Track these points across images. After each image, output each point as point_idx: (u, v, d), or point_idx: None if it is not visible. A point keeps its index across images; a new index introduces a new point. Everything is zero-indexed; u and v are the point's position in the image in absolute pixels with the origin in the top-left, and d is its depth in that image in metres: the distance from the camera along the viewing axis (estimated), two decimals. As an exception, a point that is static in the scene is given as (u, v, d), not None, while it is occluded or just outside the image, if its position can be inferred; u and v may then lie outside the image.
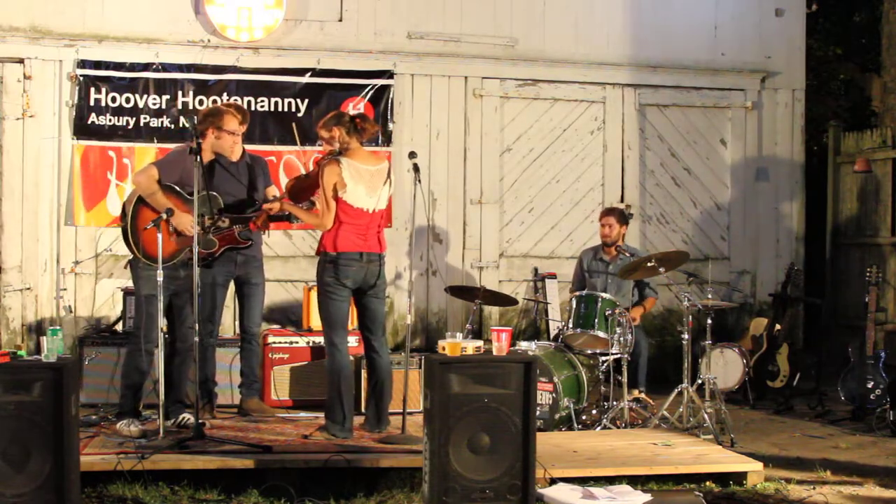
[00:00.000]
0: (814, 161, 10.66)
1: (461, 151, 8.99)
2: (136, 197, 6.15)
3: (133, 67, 8.30)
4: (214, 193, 6.15)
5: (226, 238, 6.44)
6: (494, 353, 5.10)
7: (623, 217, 7.76)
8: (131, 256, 6.24)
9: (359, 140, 6.05)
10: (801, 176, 9.76)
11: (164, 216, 5.96)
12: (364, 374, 6.82)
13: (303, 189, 6.32)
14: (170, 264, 6.05)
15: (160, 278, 5.80)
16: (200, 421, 5.80)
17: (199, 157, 5.85)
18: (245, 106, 7.86)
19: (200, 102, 8.35)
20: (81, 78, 8.22)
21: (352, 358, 6.73)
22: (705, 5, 9.52)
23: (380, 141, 8.64)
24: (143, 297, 6.19)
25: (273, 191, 7.01)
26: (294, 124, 8.25)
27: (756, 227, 9.61)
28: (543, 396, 6.60)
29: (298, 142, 7.99)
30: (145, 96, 8.32)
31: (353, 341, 6.70)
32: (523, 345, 6.91)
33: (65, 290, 8.22)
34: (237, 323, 7.14)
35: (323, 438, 5.98)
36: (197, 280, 5.89)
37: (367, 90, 8.67)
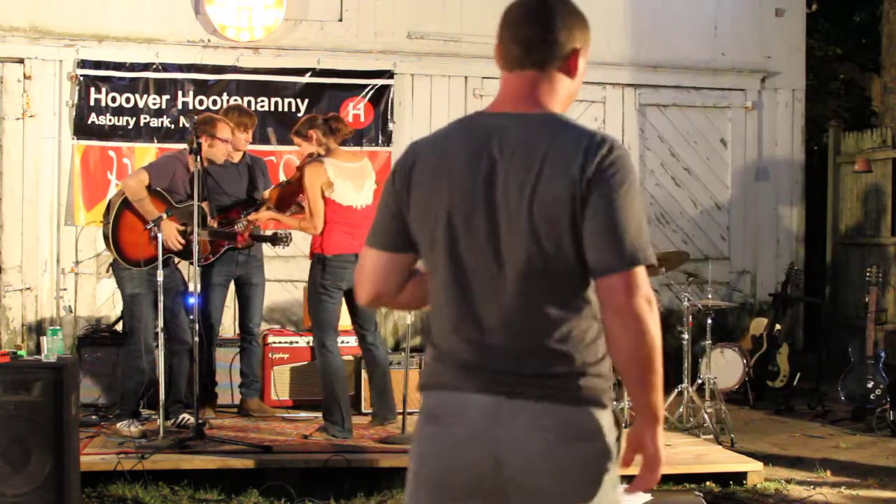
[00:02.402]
0: (814, 161, 10.65)
1: (461, 151, 8.98)
2: (121, 199, 6.12)
3: (133, 67, 8.30)
4: (201, 204, 5.99)
5: (223, 240, 6.44)
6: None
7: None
8: (112, 258, 6.23)
9: (335, 141, 6.08)
10: (801, 176, 9.76)
11: (165, 216, 5.95)
12: (364, 372, 6.85)
13: (287, 195, 6.33)
14: (147, 268, 6.02)
15: (160, 278, 5.80)
16: (200, 421, 5.81)
17: (199, 157, 5.84)
18: (245, 106, 7.85)
19: (200, 102, 8.34)
20: (81, 78, 8.22)
21: (351, 358, 6.75)
22: (705, 5, 9.52)
23: (380, 141, 8.65)
24: (128, 297, 6.18)
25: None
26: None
27: (756, 227, 9.61)
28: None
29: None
30: (145, 96, 8.32)
31: (351, 341, 6.71)
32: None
33: (65, 290, 8.21)
34: (237, 323, 7.15)
35: (323, 439, 5.98)
36: (197, 280, 5.90)
37: (367, 90, 8.67)
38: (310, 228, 5.98)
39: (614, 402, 2.17)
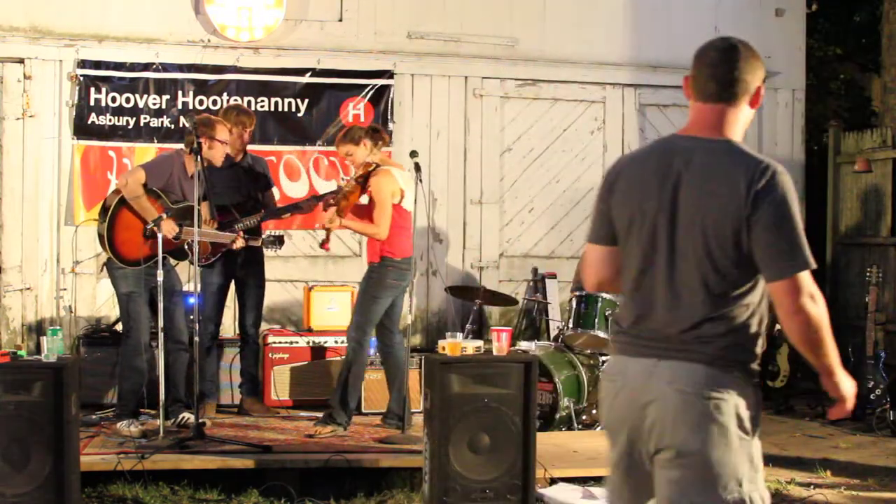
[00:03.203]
0: (814, 161, 10.64)
1: (461, 151, 8.98)
2: (117, 198, 6.11)
3: (133, 67, 8.29)
4: (195, 206, 5.88)
5: (221, 246, 6.43)
6: (494, 353, 5.10)
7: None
8: (107, 257, 6.21)
9: (379, 150, 6.29)
10: (801, 176, 9.75)
11: (165, 216, 5.95)
12: (368, 372, 6.87)
13: (355, 201, 6.34)
14: (143, 266, 6.01)
15: (160, 278, 5.80)
16: (200, 421, 5.81)
17: (199, 157, 5.84)
18: (245, 105, 7.85)
19: (200, 102, 8.34)
20: (81, 78, 8.21)
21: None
22: (705, 5, 9.52)
23: (380, 141, 8.64)
24: (122, 297, 6.17)
25: (273, 192, 7.03)
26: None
27: (756, 227, 9.58)
28: (543, 396, 6.60)
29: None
30: (145, 96, 8.31)
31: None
32: (523, 345, 6.91)
33: (65, 290, 8.21)
34: (237, 323, 7.15)
35: (326, 432, 6.03)
36: (197, 280, 5.90)
37: (367, 90, 8.66)
38: (377, 234, 6.13)
39: (756, 379, 2.68)
